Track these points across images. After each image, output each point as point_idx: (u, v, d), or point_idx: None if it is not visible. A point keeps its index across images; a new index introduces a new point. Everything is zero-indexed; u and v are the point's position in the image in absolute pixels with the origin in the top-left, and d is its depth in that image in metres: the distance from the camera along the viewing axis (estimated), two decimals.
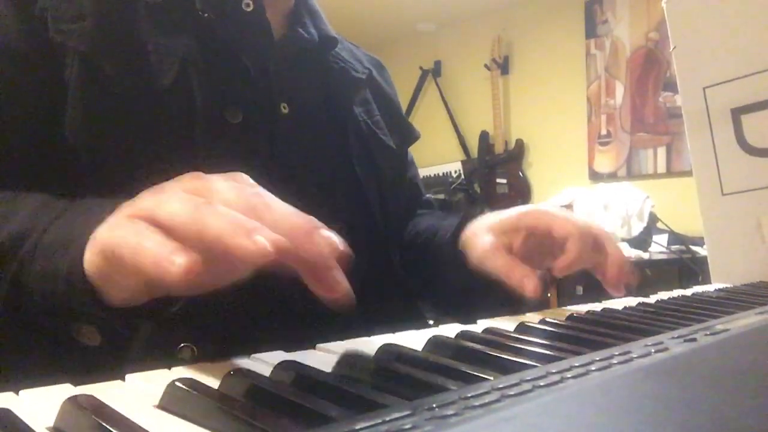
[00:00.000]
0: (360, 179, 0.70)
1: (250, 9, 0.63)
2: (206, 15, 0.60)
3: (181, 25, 0.59)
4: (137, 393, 0.30)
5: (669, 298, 0.64)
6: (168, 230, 0.33)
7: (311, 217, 0.36)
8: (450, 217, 0.76)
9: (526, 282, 0.54)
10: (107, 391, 0.29)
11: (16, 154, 0.54)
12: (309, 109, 0.68)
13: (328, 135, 0.70)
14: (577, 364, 0.30)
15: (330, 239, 0.34)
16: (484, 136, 4.08)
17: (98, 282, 0.37)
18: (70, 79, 0.54)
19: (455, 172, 4.18)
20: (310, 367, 0.32)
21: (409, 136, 0.84)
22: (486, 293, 0.62)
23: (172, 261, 0.30)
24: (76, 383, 0.30)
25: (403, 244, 0.77)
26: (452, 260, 0.65)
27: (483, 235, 0.62)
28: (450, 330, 0.45)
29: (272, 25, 0.66)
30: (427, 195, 0.90)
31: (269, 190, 0.59)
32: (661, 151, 3.37)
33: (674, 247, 2.50)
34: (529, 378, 0.27)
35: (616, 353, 0.32)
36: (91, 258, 0.37)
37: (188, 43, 0.59)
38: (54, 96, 0.54)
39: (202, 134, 0.57)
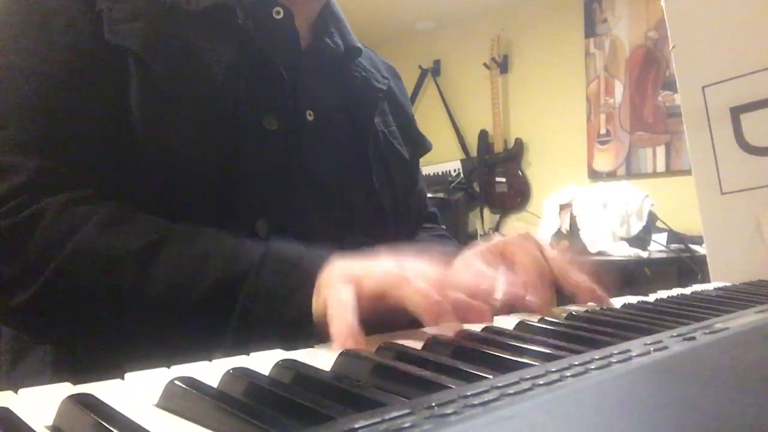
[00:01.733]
0: (376, 188, 0.71)
1: (280, 17, 0.65)
2: (246, 24, 0.62)
3: (223, 34, 0.61)
4: (136, 391, 0.30)
5: (668, 297, 0.64)
6: (371, 291, 0.44)
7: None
8: (445, 246, 0.78)
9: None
10: (106, 390, 0.29)
11: (93, 150, 0.55)
12: (331, 117, 0.69)
13: (348, 143, 0.71)
14: (576, 363, 0.30)
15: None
16: (483, 135, 4.08)
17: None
18: (132, 79, 0.56)
19: (454, 170, 4.18)
20: (309, 365, 0.32)
21: (421, 147, 0.84)
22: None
23: (347, 339, 0.39)
24: (75, 382, 0.30)
25: None
26: None
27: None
28: None
29: (300, 34, 0.67)
30: (432, 209, 0.90)
31: (298, 198, 0.62)
32: (661, 150, 3.38)
33: (673, 246, 2.50)
34: (528, 376, 0.27)
35: (616, 352, 0.32)
36: (317, 307, 0.47)
37: (232, 50, 0.60)
38: (121, 94, 0.56)
39: (244, 140, 0.59)
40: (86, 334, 0.51)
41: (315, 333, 0.46)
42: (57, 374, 0.56)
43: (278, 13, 0.64)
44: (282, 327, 0.47)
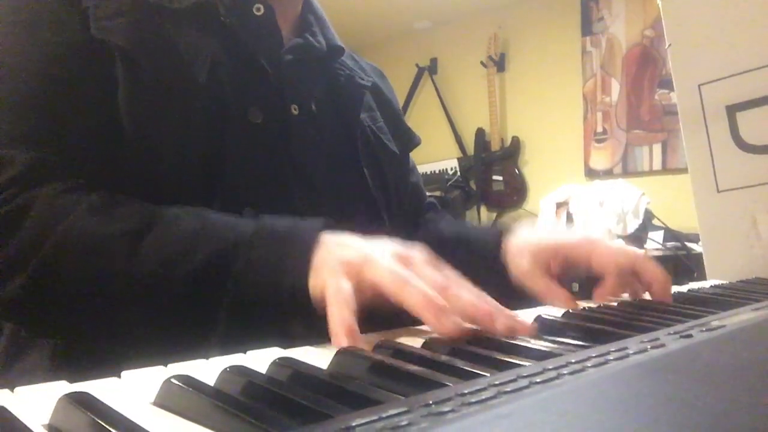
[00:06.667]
0: (368, 182, 0.71)
1: (260, 13, 0.66)
2: (228, 21, 0.62)
3: (206, 30, 0.61)
4: (133, 390, 0.30)
5: None
6: (371, 287, 0.43)
7: (492, 301, 0.43)
8: (469, 226, 0.80)
9: (561, 305, 0.58)
10: (103, 388, 0.29)
11: (83, 142, 0.56)
12: (317, 112, 0.70)
13: (337, 138, 0.71)
14: (573, 361, 0.30)
15: (512, 320, 0.41)
16: (480, 133, 4.08)
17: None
18: (118, 75, 0.56)
19: (451, 169, 4.18)
20: (306, 363, 0.32)
21: (410, 142, 0.85)
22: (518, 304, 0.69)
23: (344, 338, 0.39)
24: (72, 380, 0.30)
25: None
26: (494, 273, 0.68)
27: (524, 255, 0.66)
28: None
29: (282, 32, 0.68)
30: (430, 199, 0.90)
31: (286, 191, 0.62)
32: (657, 149, 3.38)
33: (670, 244, 2.50)
34: (525, 374, 0.27)
35: (613, 349, 0.32)
36: (314, 286, 0.45)
37: (215, 45, 0.61)
38: (109, 89, 0.56)
39: (229, 133, 0.60)
40: (82, 322, 0.51)
41: (311, 310, 0.45)
42: (55, 372, 0.56)
43: (258, 9, 0.65)
44: (277, 298, 0.46)
